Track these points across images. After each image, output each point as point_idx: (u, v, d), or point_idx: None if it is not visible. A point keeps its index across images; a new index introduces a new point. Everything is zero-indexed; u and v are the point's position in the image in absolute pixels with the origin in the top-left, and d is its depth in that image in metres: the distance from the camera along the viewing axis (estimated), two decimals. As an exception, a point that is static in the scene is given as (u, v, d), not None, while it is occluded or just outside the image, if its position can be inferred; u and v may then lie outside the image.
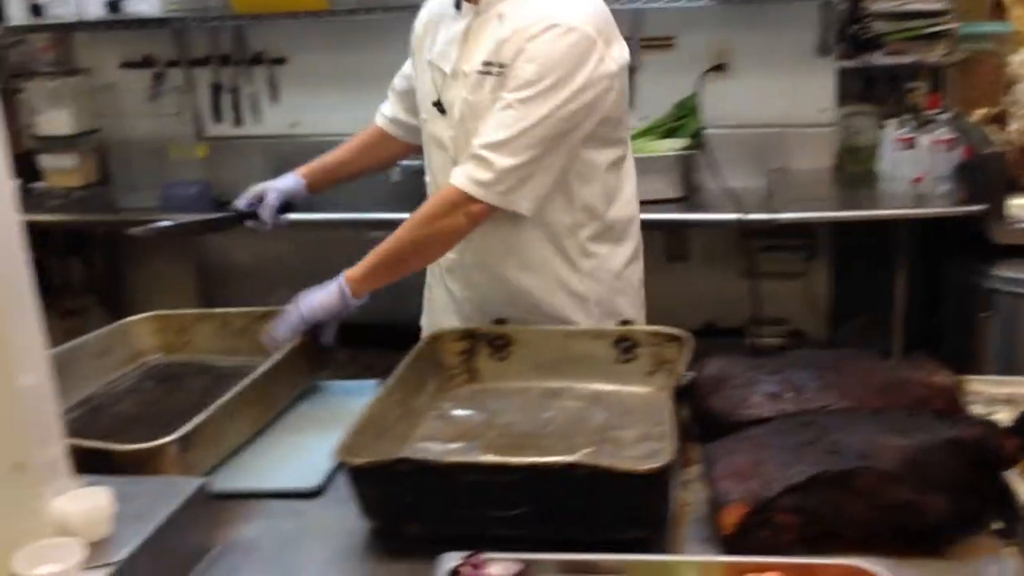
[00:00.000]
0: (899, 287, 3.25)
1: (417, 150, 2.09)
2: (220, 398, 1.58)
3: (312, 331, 1.80)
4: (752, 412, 1.48)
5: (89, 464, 1.32)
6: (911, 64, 3.36)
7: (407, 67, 2.10)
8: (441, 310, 2.06)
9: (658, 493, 1.32)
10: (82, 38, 3.81)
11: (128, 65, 3.77)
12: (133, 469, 1.39)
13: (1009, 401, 1.62)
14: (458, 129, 1.88)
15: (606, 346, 1.78)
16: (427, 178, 2.04)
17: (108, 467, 1.37)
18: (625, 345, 1.77)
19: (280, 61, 3.74)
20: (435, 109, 1.92)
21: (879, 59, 3.35)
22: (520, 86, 1.75)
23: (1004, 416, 1.54)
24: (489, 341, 1.81)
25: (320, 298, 1.79)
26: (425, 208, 1.82)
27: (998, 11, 4.10)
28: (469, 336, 1.81)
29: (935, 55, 3.32)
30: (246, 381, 1.64)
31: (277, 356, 1.74)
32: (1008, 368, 2.87)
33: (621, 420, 1.65)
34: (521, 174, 1.76)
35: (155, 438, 1.44)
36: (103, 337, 1.88)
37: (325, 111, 3.71)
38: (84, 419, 1.70)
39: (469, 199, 1.76)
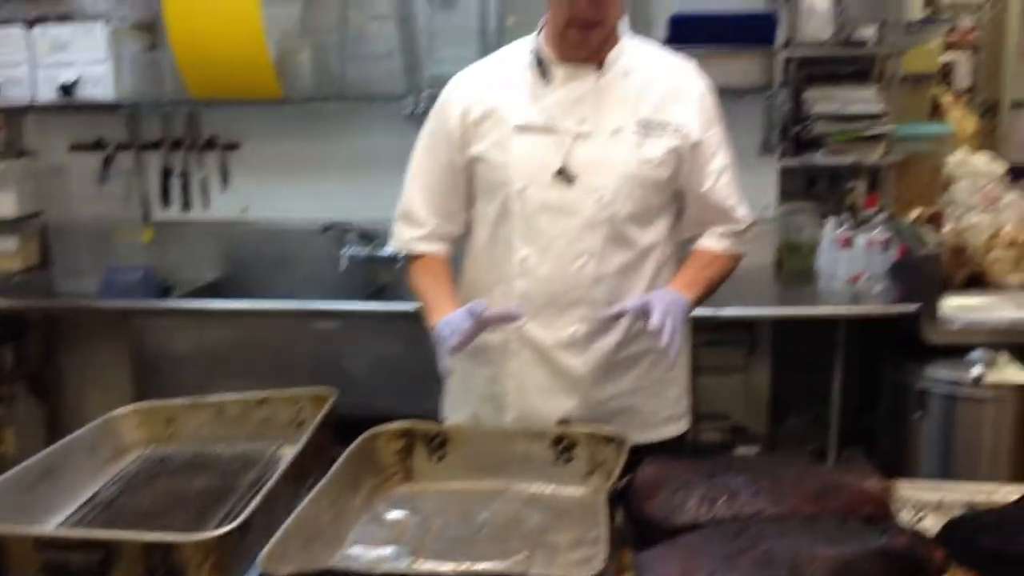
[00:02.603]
0: (836, 385, 3.30)
1: None
2: (252, 484, 1.71)
3: None
4: (687, 518, 1.48)
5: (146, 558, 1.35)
6: (850, 164, 3.47)
7: (429, 163, 2.00)
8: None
9: (590, 603, 1.31)
10: (34, 120, 3.79)
11: (78, 147, 3.76)
12: (198, 559, 1.36)
13: (938, 507, 1.64)
14: (613, 189, 1.88)
15: (544, 447, 1.77)
16: (522, 253, 1.93)
17: (168, 560, 1.36)
18: (563, 446, 1.77)
19: (233, 147, 3.75)
20: (556, 178, 1.89)
21: (820, 159, 3.45)
22: (720, 147, 1.99)
23: (932, 522, 1.56)
24: (426, 440, 1.80)
25: None
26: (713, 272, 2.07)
27: (936, 112, 4.28)
28: (406, 434, 1.80)
29: (874, 156, 3.43)
30: (283, 467, 1.62)
31: (302, 442, 1.72)
32: (941, 466, 2.91)
33: (557, 523, 1.64)
34: None
35: (189, 529, 1.48)
36: (91, 432, 1.83)
37: (275, 198, 3.73)
38: (102, 515, 1.66)
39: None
